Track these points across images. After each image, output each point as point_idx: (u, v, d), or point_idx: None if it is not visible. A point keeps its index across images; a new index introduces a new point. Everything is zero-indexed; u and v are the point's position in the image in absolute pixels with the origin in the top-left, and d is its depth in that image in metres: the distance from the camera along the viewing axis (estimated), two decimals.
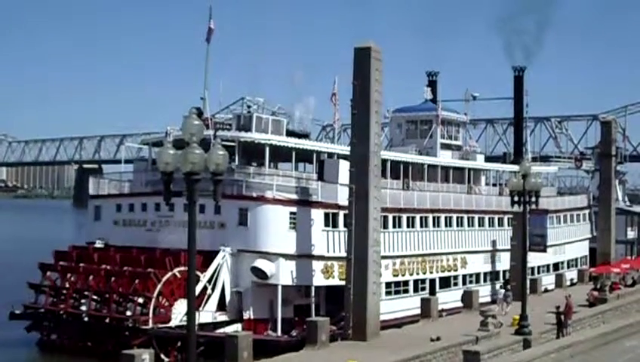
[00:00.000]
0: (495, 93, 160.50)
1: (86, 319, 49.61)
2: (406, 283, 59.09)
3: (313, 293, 52.30)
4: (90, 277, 50.98)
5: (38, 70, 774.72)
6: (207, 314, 48.34)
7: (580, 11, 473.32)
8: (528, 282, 52.32)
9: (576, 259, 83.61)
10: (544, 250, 69.40)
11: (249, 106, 57.40)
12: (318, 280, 51.93)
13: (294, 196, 52.44)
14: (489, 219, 69.60)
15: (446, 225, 64.21)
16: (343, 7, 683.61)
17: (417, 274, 60.16)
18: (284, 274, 50.30)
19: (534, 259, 68.29)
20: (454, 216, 65.24)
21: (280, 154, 56.66)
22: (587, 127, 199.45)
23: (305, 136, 60.78)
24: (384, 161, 52.92)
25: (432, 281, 61.61)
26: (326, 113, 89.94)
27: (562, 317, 44.09)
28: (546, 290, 64.40)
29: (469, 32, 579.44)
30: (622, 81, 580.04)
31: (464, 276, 65.48)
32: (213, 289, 49.19)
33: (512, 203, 42.12)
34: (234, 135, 53.10)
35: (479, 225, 68.36)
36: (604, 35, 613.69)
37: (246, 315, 50.26)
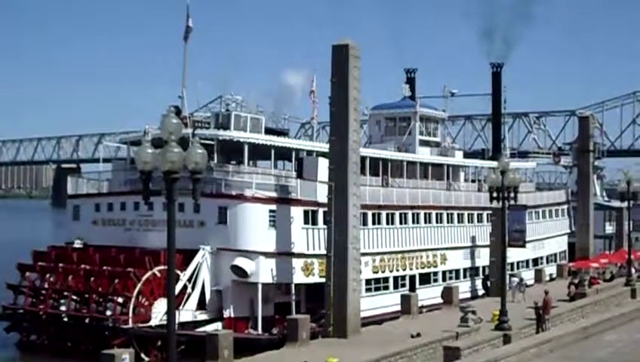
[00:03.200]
0: (473, 90, 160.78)
1: (66, 319, 49.52)
2: (386, 279, 59.22)
3: (293, 291, 52.33)
4: (70, 278, 50.79)
5: (14, 70, 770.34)
6: (188, 312, 48.29)
7: (557, 7, 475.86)
8: (507, 277, 52.47)
9: (556, 254, 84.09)
10: (523, 246, 69.61)
11: (227, 104, 57.34)
12: (298, 277, 51.96)
13: (274, 194, 52.45)
14: (468, 215, 69.88)
15: (425, 222, 64.41)
16: (321, 5, 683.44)
17: (397, 270, 60.32)
18: (264, 272, 50.28)
19: (514, 254, 68.58)
20: (434, 212, 65.44)
21: (259, 152, 56.62)
22: (565, 123, 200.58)
23: (284, 133, 60.78)
24: (363, 158, 52.94)
25: (412, 278, 61.76)
26: (305, 110, 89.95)
27: (541, 312, 44.28)
28: (526, 285, 64.61)
29: (447, 28, 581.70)
30: (599, 76, 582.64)
31: (444, 272, 65.69)
32: (193, 288, 49.12)
33: (491, 199, 42.15)
34: (212, 133, 53.03)
35: (458, 222, 68.64)
36: (581, 31, 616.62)
37: (226, 314, 50.23)
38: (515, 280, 57.31)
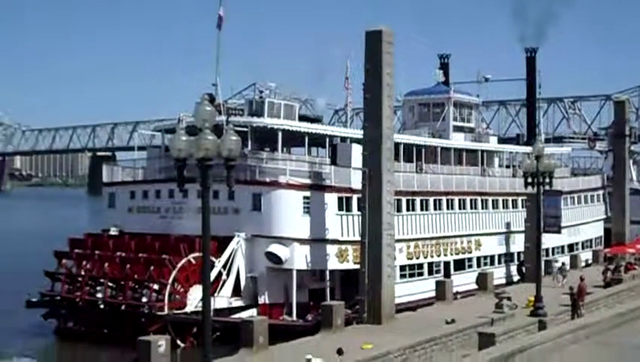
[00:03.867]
0: (507, 75, 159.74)
1: (102, 306, 49.92)
2: (420, 266, 59.09)
3: (328, 277, 52.39)
4: (106, 265, 51.15)
5: (51, 59, 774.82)
6: (223, 299, 48.50)
7: None
8: (543, 263, 52.24)
9: (591, 240, 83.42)
10: (558, 231, 69.25)
11: (261, 91, 57.45)
12: (333, 264, 51.99)
13: (307, 181, 52.45)
14: (503, 200, 69.47)
15: (460, 208, 64.12)
16: None
17: (432, 256, 60.15)
18: (298, 258, 50.37)
19: (549, 240, 68.21)
20: (468, 198, 65.15)
21: (292, 139, 56.64)
22: (600, 108, 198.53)
23: (317, 120, 60.80)
24: (397, 145, 52.83)
25: (447, 264, 61.56)
26: (339, 97, 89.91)
27: (576, 298, 44.06)
28: (567, 270, 64.18)
29: (481, 13, 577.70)
30: (635, 60, 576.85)
31: (478, 258, 65.40)
32: (228, 275, 49.34)
33: (526, 184, 42.00)
34: (246, 120, 53.12)
35: (493, 207, 68.28)
36: (618, 15, 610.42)
37: (261, 300, 50.40)
38: (557, 265, 57.31)
